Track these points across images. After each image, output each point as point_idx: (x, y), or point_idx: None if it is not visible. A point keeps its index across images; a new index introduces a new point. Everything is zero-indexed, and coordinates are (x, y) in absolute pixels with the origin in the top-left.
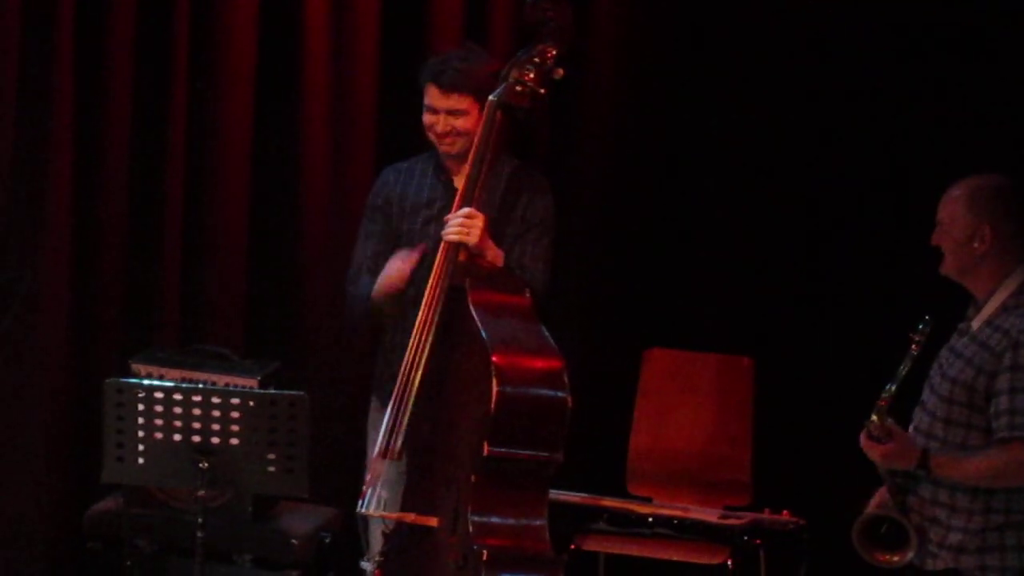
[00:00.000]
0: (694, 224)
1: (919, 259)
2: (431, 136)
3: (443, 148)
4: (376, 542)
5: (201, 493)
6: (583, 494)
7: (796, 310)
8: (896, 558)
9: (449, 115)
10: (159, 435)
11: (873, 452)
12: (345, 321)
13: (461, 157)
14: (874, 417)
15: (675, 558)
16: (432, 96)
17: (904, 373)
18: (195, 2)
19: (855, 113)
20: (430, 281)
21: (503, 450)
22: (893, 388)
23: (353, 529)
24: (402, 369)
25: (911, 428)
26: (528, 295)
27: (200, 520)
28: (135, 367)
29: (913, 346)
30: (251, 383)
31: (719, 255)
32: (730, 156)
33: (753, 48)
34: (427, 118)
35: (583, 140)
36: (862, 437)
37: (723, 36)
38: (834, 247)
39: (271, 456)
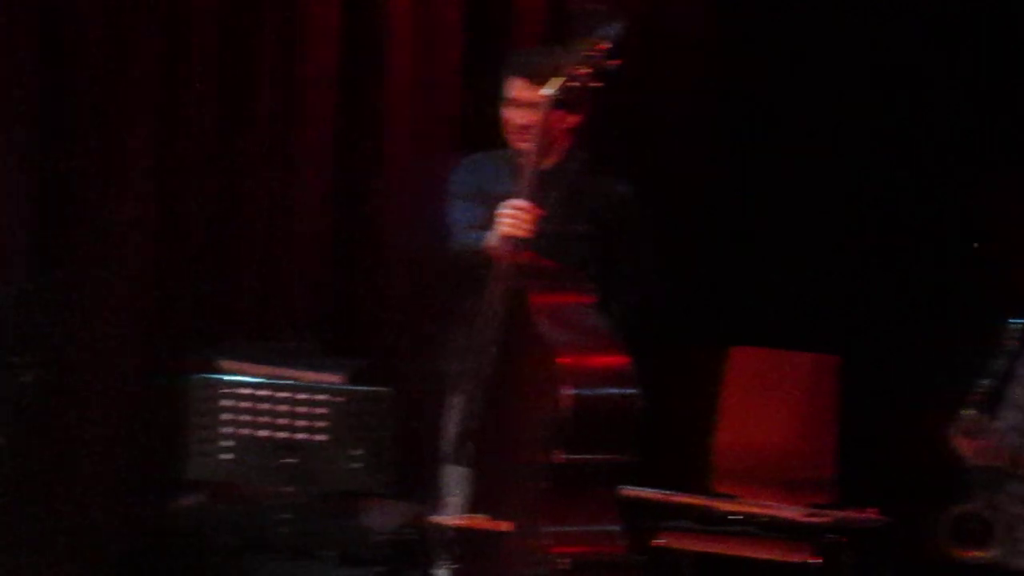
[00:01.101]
0: (778, 222)
1: (1007, 256)
2: (509, 131)
3: (519, 144)
4: (447, 547)
5: (286, 489)
6: (666, 491)
7: (882, 308)
8: (982, 555)
9: (530, 109)
10: (245, 431)
11: (965, 448)
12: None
13: (521, 154)
14: (967, 412)
15: (760, 556)
16: (517, 89)
17: (998, 369)
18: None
19: (958, 108)
20: (490, 278)
21: (575, 456)
22: (986, 384)
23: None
24: (469, 371)
25: (1000, 425)
26: (590, 292)
27: (284, 516)
28: (221, 363)
29: (1008, 342)
30: (337, 380)
31: (805, 253)
32: (819, 151)
33: (841, 41)
34: (508, 112)
35: (661, 132)
36: (954, 433)
37: (807, 32)
38: (922, 245)
39: (356, 452)
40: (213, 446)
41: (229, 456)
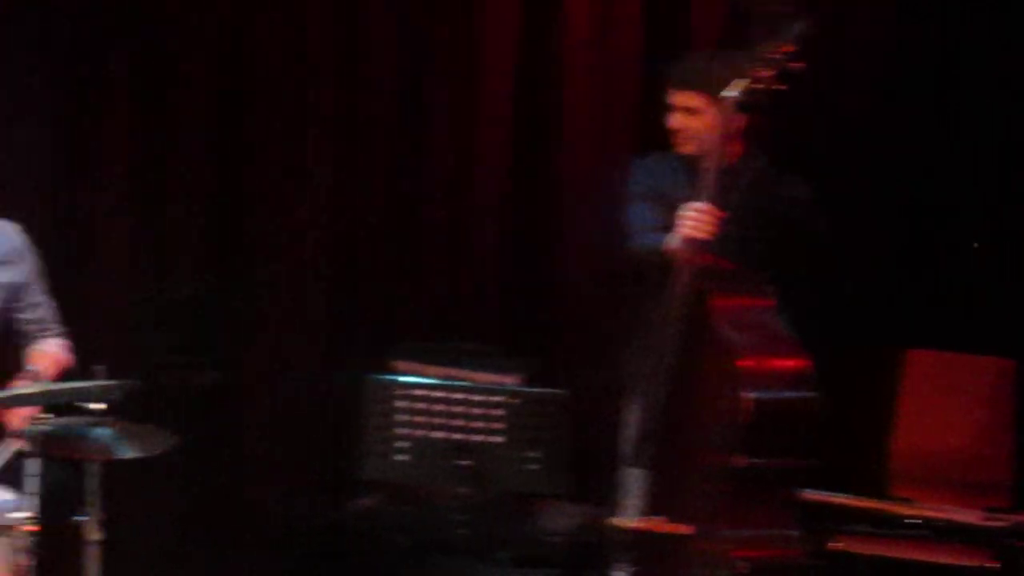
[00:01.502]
0: (960, 224)
1: None
2: (676, 137)
3: (687, 149)
4: (624, 549)
5: (462, 490)
6: (843, 495)
7: None
8: None
9: (682, 113)
10: (420, 432)
11: None
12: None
13: (698, 157)
14: None
15: (936, 560)
16: (670, 94)
17: None
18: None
19: None
20: (671, 281)
21: (756, 460)
22: None
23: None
24: (649, 373)
25: None
26: (770, 295)
27: (460, 517)
28: (396, 364)
29: None
30: (514, 381)
31: (986, 256)
32: (1002, 152)
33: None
34: (674, 118)
35: (840, 133)
36: None
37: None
38: None
39: (532, 454)
40: (389, 447)
41: (405, 457)
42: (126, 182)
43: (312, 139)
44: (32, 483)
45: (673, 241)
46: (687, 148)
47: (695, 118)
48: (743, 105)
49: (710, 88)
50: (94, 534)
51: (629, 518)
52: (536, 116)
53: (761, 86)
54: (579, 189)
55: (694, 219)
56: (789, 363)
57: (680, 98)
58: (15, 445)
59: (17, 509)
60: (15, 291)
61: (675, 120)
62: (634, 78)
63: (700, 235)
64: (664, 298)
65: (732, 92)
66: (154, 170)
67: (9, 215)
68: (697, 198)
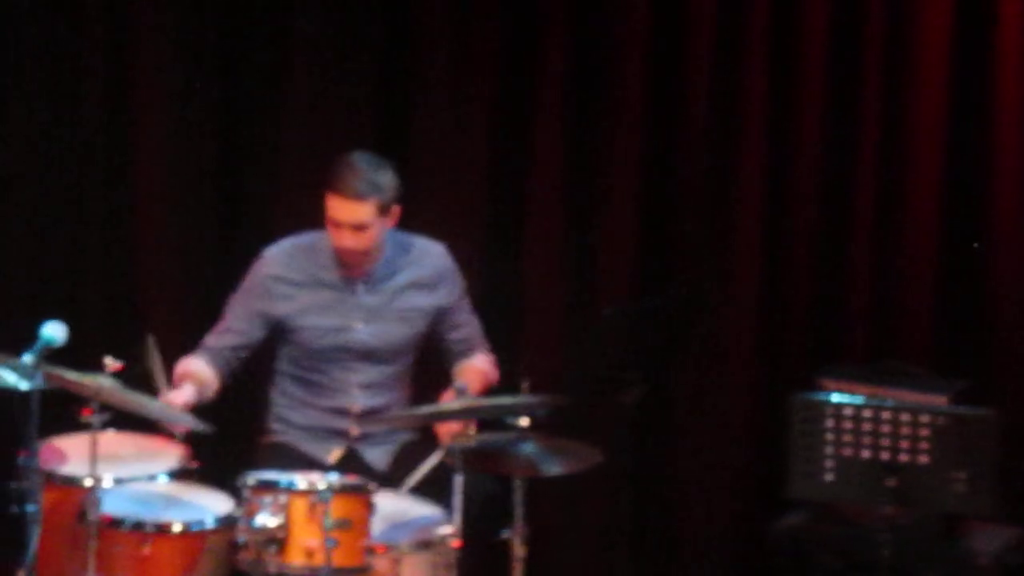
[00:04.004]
0: None
1: None
2: None
3: None
4: None
5: (888, 511)
6: None
7: None
8: None
9: None
10: (847, 451)
11: None
12: None
13: None
14: None
15: None
16: None
17: None
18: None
19: None
20: None
21: None
22: None
23: None
24: None
25: None
26: None
27: (887, 538)
28: (824, 382)
29: None
30: (940, 401)
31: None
32: None
33: None
34: None
35: None
36: None
37: None
38: None
39: (959, 475)
40: (816, 466)
41: (831, 477)
42: (558, 192)
43: (746, 159)
44: (457, 498)
45: None
46: None
47: None
48: None
49: None
50: (519, 549)
51: None
52: (970, 124)
53: None
54: (1014, 208)
55: None
56: None
57: None
58: (437, 458)
59: (442, 524)
60: (440, 314)
61: None
62: None
63: None
64: None
65: None
66: (585, 176)
67: (442, 235)
68: None
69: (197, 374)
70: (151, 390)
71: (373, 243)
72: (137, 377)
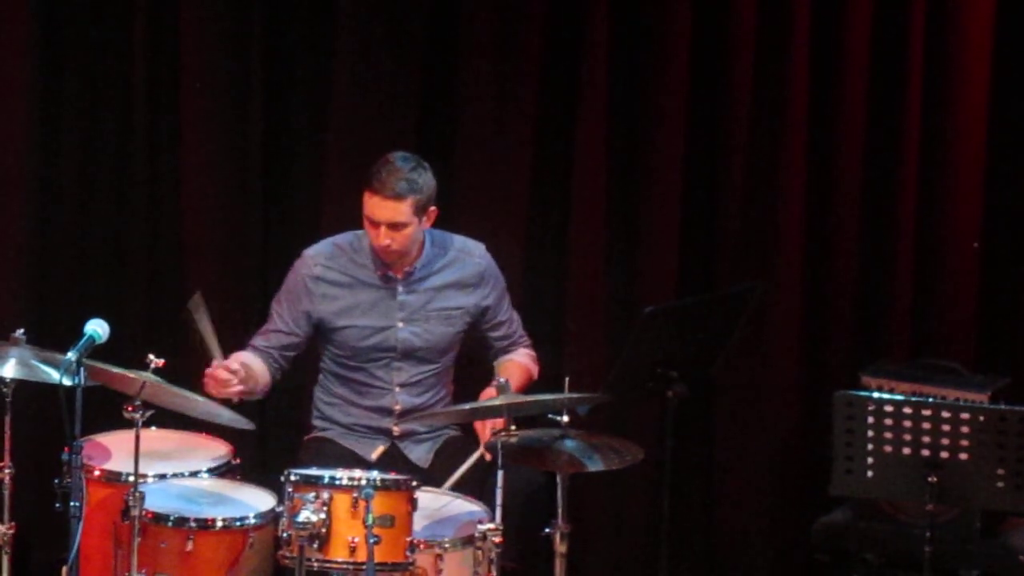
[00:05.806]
0: None
1: None
2: None
3: None
4: None
5: (929, 507)
6: None
7: None
8: None
9: None
10: (888, 448)
11: None
12: None
13: None
14: None
15: None
16: None
17: None
18: (930, 2)
19: None
20: None
21: None
22: None
23: None
24: None
25: None
26: None
27: (928, 535)
28: (865, 380)
29: None
30: (981, 398)
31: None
32: None
33: None
34: None
35: None
36: None
37: None
38: None
39: (1000, 472)
40: (857, 463)
41: (872, 474)
42: (601, 191)
43: (786, 157)
44: (499, 495)
45: None
46: None
47: None
48: None
49: None
50: (560, 546)
51: None
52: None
53: None
54: None
55: None
56: None
57: None
58: (479, 454)
59: (484, 520)
60: (481, 313)
61: None
62: None
63: None
64: None
65: None
66: (627, 175)
67: (485, 233)
68: None
69: (250, 367)
70: (204, 356)
71: (410, 242)
72: (190, 343)
